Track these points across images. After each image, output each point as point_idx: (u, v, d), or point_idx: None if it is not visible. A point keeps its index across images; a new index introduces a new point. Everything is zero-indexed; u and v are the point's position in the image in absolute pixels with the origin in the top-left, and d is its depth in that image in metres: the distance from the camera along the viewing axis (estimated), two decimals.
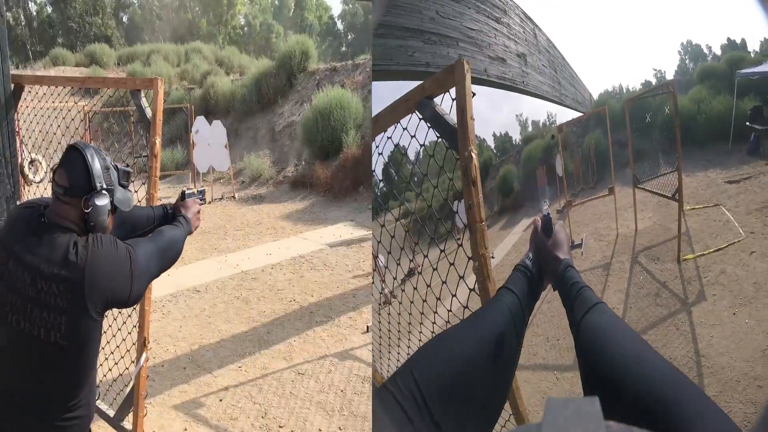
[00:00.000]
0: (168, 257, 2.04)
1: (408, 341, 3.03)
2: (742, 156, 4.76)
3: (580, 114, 5.90)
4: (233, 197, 12.88)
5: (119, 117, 15.69)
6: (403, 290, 3.06)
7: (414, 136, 2.14)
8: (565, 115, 5.81)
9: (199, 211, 2.43)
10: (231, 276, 7.47)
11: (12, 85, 3.85)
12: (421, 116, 2.05)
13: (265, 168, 14.04)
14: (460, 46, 3.51)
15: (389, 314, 3.26)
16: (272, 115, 15.96)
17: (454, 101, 1.88)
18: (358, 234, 9.50)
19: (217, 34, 42.31)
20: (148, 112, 3.15)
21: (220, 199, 12.82)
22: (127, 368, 3.50)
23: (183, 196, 2.44)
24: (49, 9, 39.80)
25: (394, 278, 2.89)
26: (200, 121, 12.67)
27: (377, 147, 2.40)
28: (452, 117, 1.91)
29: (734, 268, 4.14)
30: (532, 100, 5.13)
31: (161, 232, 2.10)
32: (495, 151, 6.42)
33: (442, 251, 2.30)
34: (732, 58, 4.75)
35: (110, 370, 3.53)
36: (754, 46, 4.58)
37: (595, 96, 5.71)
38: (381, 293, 3.96)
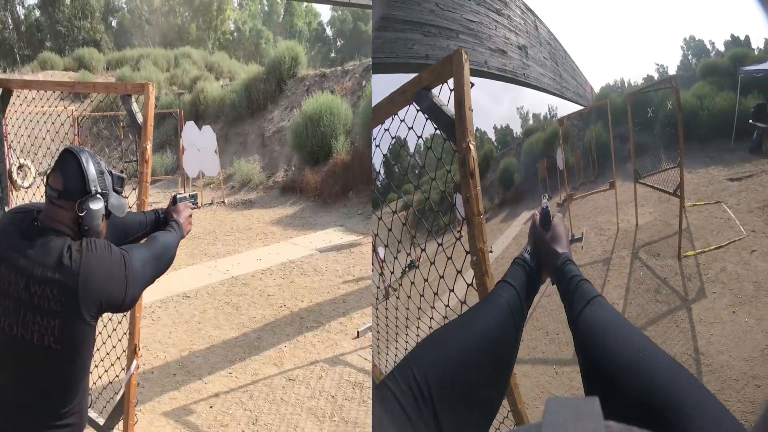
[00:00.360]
0: (162, 263, 2.03)
1: (406, 336, 3.02)
2: (744, 154, 4.77)
3: (581, 107, 5.89)
4: (223, 202, 12.85)
5: (109, 122, 15.62)
6: (400, 284, 3.06)
7: (411, 128, 2.12)
8: (566, 108, 5.81)
9: (190, 216, 2.42)
10: (221, 281, 7.45)
11: (0, 90, 3.82)
12: (418, 107, 2.02)
13: (254, 173, 14.02)
14: (460, 38, 3.51)
15: (387, 309, 3.25)
16: (262, 121, 15.95)
17: (452, 92, 1.85)
18: (348, 239, 9.49)
19: (206, 40, 42.18)
20: (139, 118, 3.13)
21: (210, 204, 12.78)
22: (117, 376, 3.48)
23: (174, 201, 2.42)
24: (38, 13, 39.53)
25: (392, 272, 2.87)
26: (190, 127, 12.63)
27: (374, 139, 2.38)
28: (450, 108, 1.89)
29: (735, 266, 4.15)
30: (533, 93, 5.13)
31: (155, 238, 2.09)
32: (496, 144, 6.43)
33: (440, 245, 2.27)
34: (735, 54, 4.75)
35: (100, 377, 3.49)
36: (758, 43, 4.58)
37: (597, 89, 5.71)
38: (378, 288, 3.94)
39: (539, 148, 6.34)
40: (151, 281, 1.99)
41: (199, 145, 12.34)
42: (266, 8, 49.41)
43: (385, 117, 2.22)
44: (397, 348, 3.21)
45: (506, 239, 5.85)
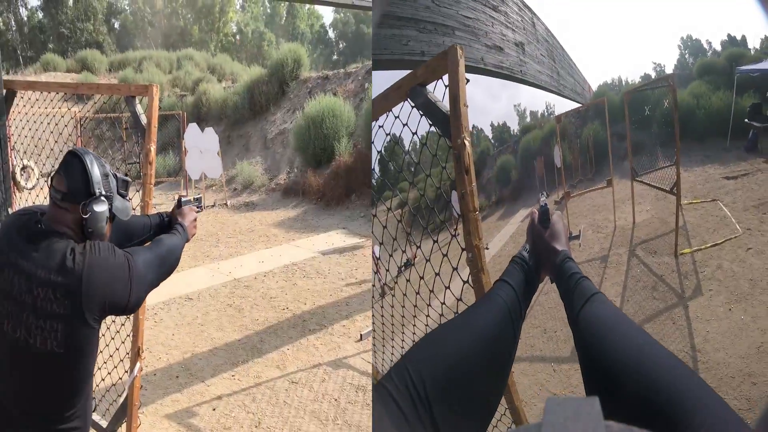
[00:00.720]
0: (166, 266, 2.02)
1: (402, 334, 3.01)
2: (740, 152, 4.79)
3: (579, 105, 5.87)
4: (225, 204, 12.84)
5: (112, 123, 15.65)
6: (396, 283, 3.04)
7: (406, 124, 2.10)
8: (563, 105, 5.80)
9: (195, 219, 2.40)
10: (223, 283, 7.44)
11: (4, 91, 3.82)
12: (413, 104, 2.00)
13: (257, 175, 14.02)
14: (456, 34, 3.50)
15: (383, 307, 3.26)
16: (264, 123, 15.96)
17: (447, 88, 1.83)
18: (350, 242, 9.48)
19: (209, 42, 42.29)
20: (143, 119, 3.12)
21: (213, 206, 12.78)
22: (120, 378, 3.47)
23: (180, 204, 2.41)
24: (40, 14, 39.64)
25: (387, 270, 2.85)
26: (192, 128, 12.63)
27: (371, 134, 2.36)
28: (445, 104, 1.87)
29: (731, 264, 4.17)
30: (530, 90, 5.14)
31: (160, 240, 2.08)
32: (493, 141, 6.42)
33: (435, 242, 2.25)
34: (732, 54, 4.77)
35: (103, 379, 3.49)
36: (754, 43, 4.61)
37: (594, 87, 5.70)
38: (373, 286, 3.90)
39: (537, 145, 6.36)
40: (156, 284, 1.98)
41: (202, 147, 12.33)
42: (269, 11, 49.51)
43: (380, 113, 2.21)
44: (393, 347, 3.20)
45: (504, 237, 5.86)
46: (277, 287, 7.27)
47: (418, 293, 2.45)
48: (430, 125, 1.96)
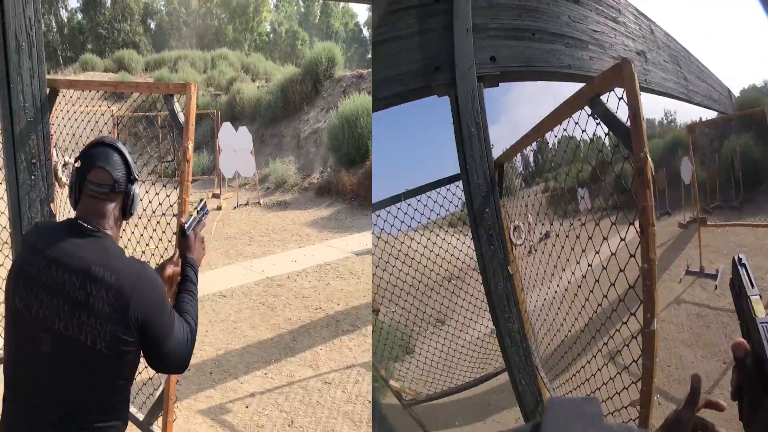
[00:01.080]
0: (190, 346, 1.95)
1: (550, 282, 3.57)
2: None
3: (720, 114, 4.95)
4: (258, 203, 12.93)
5: (149, 122, 15.89)
6: (535, 249, 3.96)
7: (584, 131, 2.33)
8: (687, 112, 5.18)
9: (203, 240, 2.25)
10: (256, 282, 7.48)
11: (47, 90, 3.88)
12: (591, 112, 2.16)
13: (290, 174, 14.09)
14: (589, 48, 3.66)
15: (527, 263, 3.89)
16: (298, 122, 16.04)
17: (621, 100, 1.99)
18: None
19: (243, 41, 42.70)
20: (181, 117, 3.14)
21: (246, 204, 12.87)
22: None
23: (183, 232, 2.20)
24: (80, 16, 40.48)
25: (528, 233, 3.55)
26: (226, 127, 12.75)
27: (555, 136, 2.70)
28: (620, 116, 2.02)
29: None
30: (647, 98, 4.87)
31: (185, 320, 1.97)
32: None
33: (567, 234, 2.84)
34: None
35: (140, 373, 3.50)
36: None
37: (736, 92, 4.92)
38: (523, 244, 4.44)
39: (659, 155, 5.68)
40: (181, 363, 1.94)
41: (236, 145, 12.45)
42: (302, 10, 49.80)
43: (564, 118, 2.45)
44: (539, 293, 3.73)
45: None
46: (309, 287, 7.29)
47: (569, 246, 2.86)
48: (606, 134, 2.14)
